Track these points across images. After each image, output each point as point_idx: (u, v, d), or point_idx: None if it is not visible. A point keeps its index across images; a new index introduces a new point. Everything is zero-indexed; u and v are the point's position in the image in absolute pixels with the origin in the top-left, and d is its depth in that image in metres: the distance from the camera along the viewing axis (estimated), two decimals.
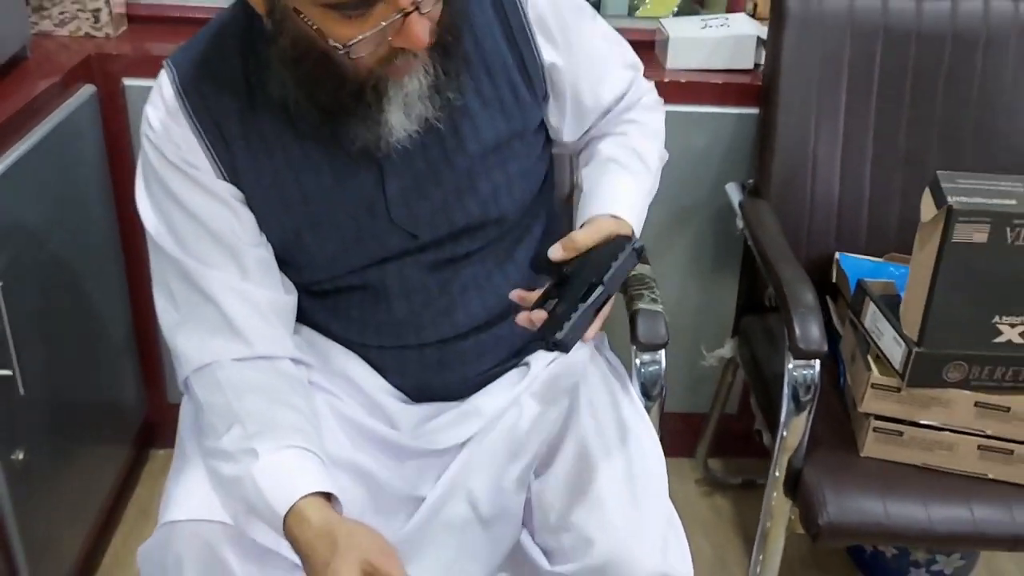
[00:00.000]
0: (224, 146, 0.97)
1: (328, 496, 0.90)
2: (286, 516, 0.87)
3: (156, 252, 1.00)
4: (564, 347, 0.85)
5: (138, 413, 1.82)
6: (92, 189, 1.56)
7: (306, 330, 1.09)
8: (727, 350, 1.66)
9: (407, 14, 0.83)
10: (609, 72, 1.11)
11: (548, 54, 1.03)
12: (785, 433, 1.25)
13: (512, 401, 1.08)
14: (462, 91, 0.96)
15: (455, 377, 1.09)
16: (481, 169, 1.02)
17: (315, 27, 0.85)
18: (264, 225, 1.00)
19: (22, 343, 1.23)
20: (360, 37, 0.84)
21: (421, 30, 0.84)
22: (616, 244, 0.93)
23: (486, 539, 1.04)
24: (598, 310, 0.90)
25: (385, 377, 1.09)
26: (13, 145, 1.29)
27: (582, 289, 0.88)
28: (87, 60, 1.53)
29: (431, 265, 1.04)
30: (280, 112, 0.95)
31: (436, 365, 1.08)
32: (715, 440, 1.89)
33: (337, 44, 0.84)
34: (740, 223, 1.52)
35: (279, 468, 0.90)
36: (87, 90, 1.51)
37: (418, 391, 1.10)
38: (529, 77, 1.03)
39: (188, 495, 0.95)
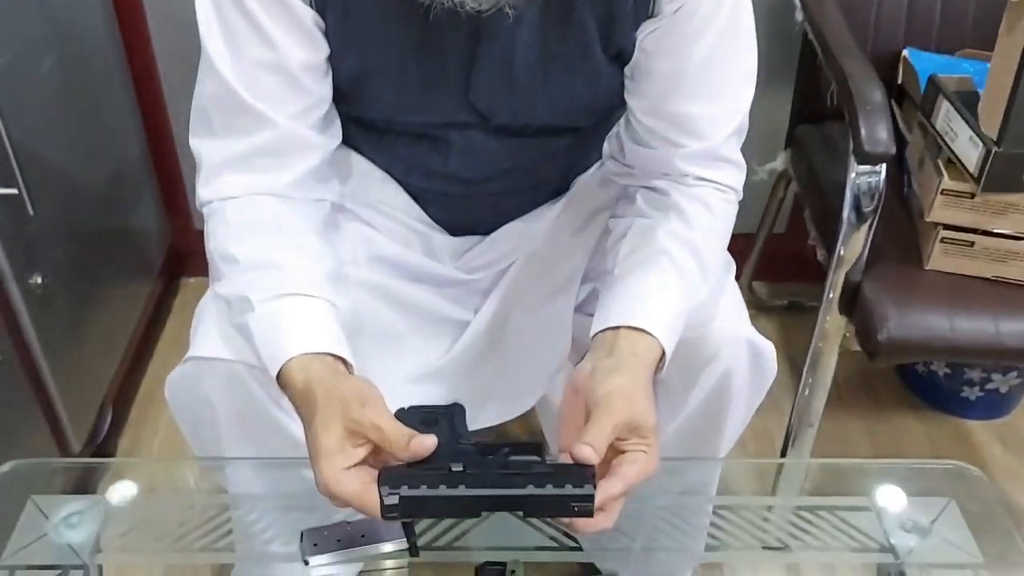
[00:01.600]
0: None
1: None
2: (278, 377, 0.78)
3: (207, 68, 0.86)
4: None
5: (161, 240, 1.78)
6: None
7: (345, 152, 1.00)
8: (779, 162, 1.55)
9: None
10: (713, 96, 0.88)
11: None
12: (843, 246, 1.16)
13: (552, 221, 1.02)
14: None
15: (503, 219, 1.03)
16: (586, 80, 0.89)
17: None
18: (333, 59, 0.88)
19: (25, 161, 1.16)
20: None
21: None
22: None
23: (530, 365, 0.99)
24: None
25: (425, 210, 1.02)
26: None
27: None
28: None
29: (497, 131, 0.94)
30: None
31: (485, 209, 1.02)
32: (762, 261, 1.80)
33: None
34: (800, 15, 1.37)
35: (270, 322, 0.80)
36: None
37: (458, 227, 1.04)
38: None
39: (216, 331, 0.87)
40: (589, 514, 0.66)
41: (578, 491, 0.66)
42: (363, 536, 0.84)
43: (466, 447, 0.70)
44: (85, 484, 1.22)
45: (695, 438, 0.97)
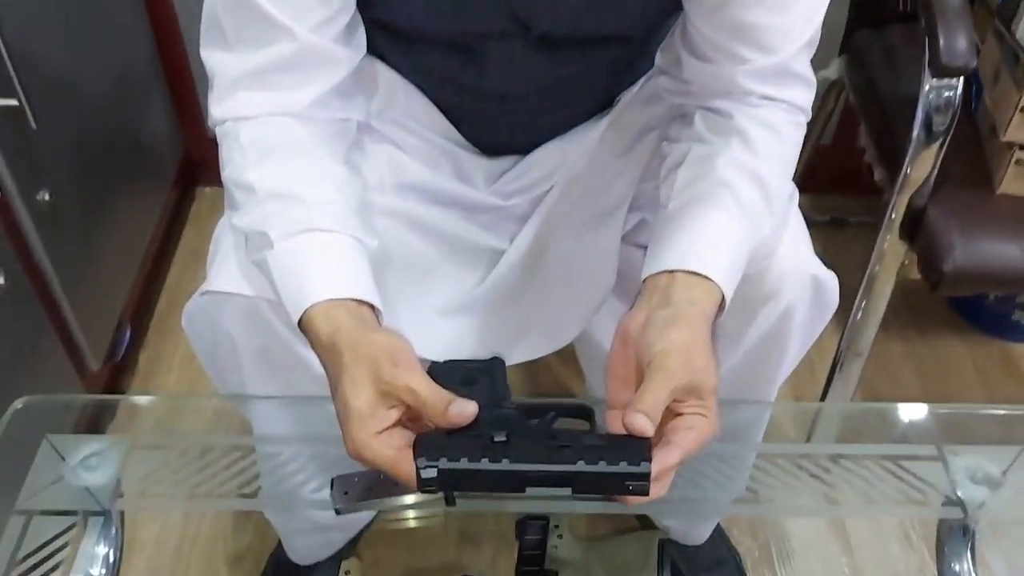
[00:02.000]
0: None
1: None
2: (299, 323, 0.72)
3: None
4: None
5: (174, 150, 1.70)
6: None
7: (370, 61, 0.91)
8: (832, 71, 1.43)
9: None
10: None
11: None
12: (910, 167, 1.07)
13: (595, 141, 0.93)
14: None
15: (541, 138, 0.94)
16: None
17: None
18: None
19: (25, 69, 1.07)
20: None
21: None
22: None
23: (570, 297, 0.92)
24: None
25: (456, 127, 0.94)
26: None
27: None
28: None
29: (538, 41, 0.84)
30: None
31: (522, 127, 0.93)
32: (805, 174, 1.71)
33: None
34: None
35: (290, 262, 0.73)
36: None
37: (492, 146, 0.95)
38: None
39: (234, 263, 0.81)
40: (645, 493, 0.60)
41: (634, 469, 0.59)
42: (396, 484, 0.79)
43: (508, 411, 0.64)
44: (102, 415, 1.18)
45: (747, 378, 0.90)
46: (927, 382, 1.52)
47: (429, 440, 0.62)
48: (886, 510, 0.85)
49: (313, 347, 0.71)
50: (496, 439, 0.61)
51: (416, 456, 0.61)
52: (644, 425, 0.61)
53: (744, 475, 0.91)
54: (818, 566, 1.28)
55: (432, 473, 0.60)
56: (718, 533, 1.23)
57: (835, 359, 1.27)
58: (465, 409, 0.62)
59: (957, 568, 0.82)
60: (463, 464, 0.60)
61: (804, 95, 0.83)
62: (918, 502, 0.83)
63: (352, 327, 0.69)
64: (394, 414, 0.64)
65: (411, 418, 0.66)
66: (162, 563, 1.23)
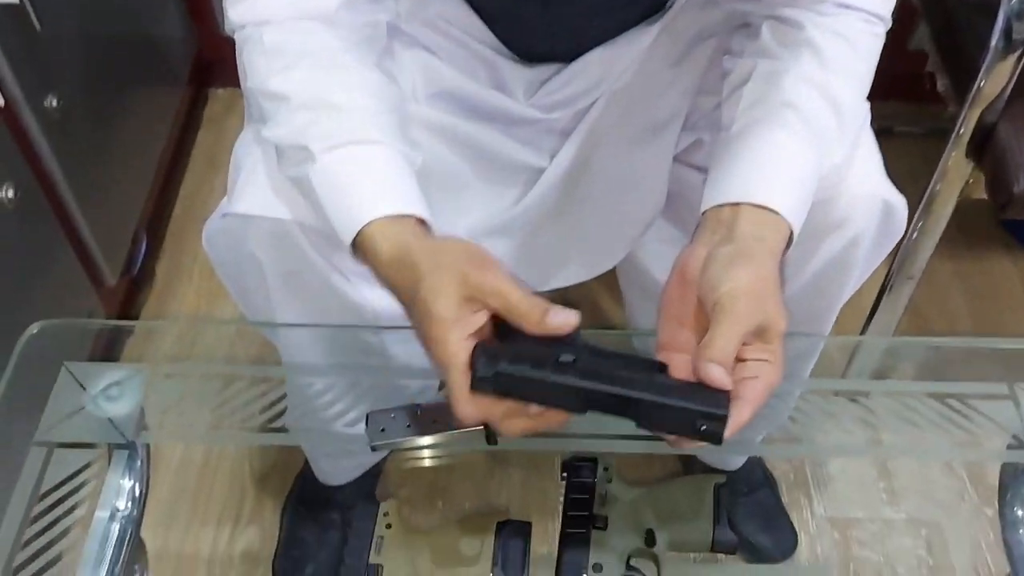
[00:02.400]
0: None
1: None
2: (353, 246, 0.66)
3: None
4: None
5: (187, 49, 1.62)
6: None
7: None
8: None
9: None
10: None
11: None
12: (984, 79, 0.98)
13: (645, 49, 0.85)
14: None
15: (585, 45, 0.86)
16: None
17: None
18: None
19: None
20: None
21: None
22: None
23: (615, 219, 0.86)
24: None
25: (493, 30, 0.85)
26: None
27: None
28: None
29: None
30: None
31: (564, 32, 0.85)
32: None
33: None
34: None
35: (337, 178, 0.67)
36: None
37: (532, 52, 0.87)
38: None
39: (261, 182, 0.75)
40: (718, 439, 0.55)
41: (711, 409, 0.54)
42: (434, 421, 0.75)
43: (577, 344, 0.58)
44: (119, 337, 1.15)
45: (806, 307, 0.85)
46: (975, 303, 1.47)
47: (492, 346, 0.57)
48: (948, 451, 0.80)
49: (372, 266, 0.66)
50: (562, 359, 0.56)
51: (475, 357, 0.56)
52: (721, 377, 0.56)
53: (789, 406, 0.87)
54: (855, 491, 1.26)
55: (489, 372, 0.56)
56: (754, 457, 1.21)
57: (884, 282, 1.21)
58: (569, 318, 0.57)
59: (1021, 513, 0.78)
60: (525, 370, 0.55)
61: (884, 1, 0.75)
62: (980, 443, 0.79)
63: (422, 238, 0.64)
64: (481, 317, 0.59)
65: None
66: (187, 482, 1.21)
